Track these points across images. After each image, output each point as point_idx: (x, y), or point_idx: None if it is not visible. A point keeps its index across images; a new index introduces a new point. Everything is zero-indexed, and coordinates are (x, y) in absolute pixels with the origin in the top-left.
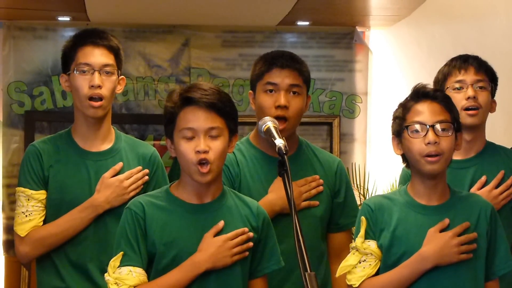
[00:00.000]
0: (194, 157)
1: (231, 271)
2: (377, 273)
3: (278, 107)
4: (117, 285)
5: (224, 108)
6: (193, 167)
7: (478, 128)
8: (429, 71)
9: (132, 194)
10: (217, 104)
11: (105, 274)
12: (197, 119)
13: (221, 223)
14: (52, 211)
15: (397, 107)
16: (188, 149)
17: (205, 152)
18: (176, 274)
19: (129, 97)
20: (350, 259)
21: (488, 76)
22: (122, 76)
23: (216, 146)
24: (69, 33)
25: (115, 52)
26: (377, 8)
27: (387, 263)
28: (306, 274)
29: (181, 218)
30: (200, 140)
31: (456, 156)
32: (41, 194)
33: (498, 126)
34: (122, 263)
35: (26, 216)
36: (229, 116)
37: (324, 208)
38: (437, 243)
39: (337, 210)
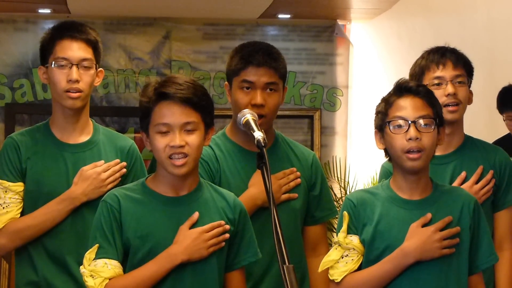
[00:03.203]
0: (167, 151)
1: (207, 263)
2: (359, 268)
3: (254, 105)
4: (92, 277)
5: (199, 103)
6: (166, 161)
7: (457, 123)
8: (410, 64)
9: (109, 186)
10: (192, 99)
11: (81, 267)
12: (172, 114)
13: (196, 215)
14: (30, 203)
15: (379, 102)
16: (163, 144)
17: (181, 147)
18: (152, 267)
19: (110, 90)
20: (333, 254)
21: (465, 69)
22: (101, 69)
23: (192, 140)
24: (50, 25)
25: (93, 45)
26: (358, 1)
27: (369, 258)
28: (285, 267)
29: (156, 211)
30: (176, 135)
31: (436, 152)
32: (19, 186)
33: (479, 120)
34: (98, 256)
35: (3, 208)
36: (205, 110)
37: (302, 201)
38: (419, 238)
39: (313, 203)
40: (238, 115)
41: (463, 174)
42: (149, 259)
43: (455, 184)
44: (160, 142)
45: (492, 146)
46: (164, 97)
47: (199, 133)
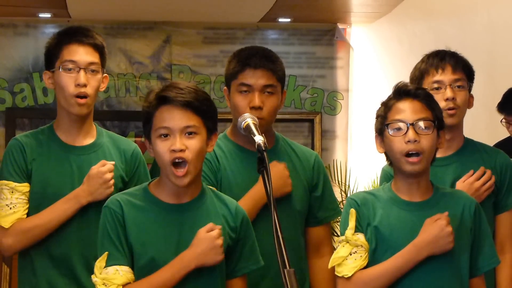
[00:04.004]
0: (168, 156)
1: (212, 269)
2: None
3: (253, 108)
4: (105, 285)
5: (200, 107)
6: (168, 167)
7: (457, 126)
8: (410, 67)
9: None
10: (193, 103)
11: (92, 276)
12: (173, 118)
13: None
14: (35, 205)
15: (379, 106)
16: (164, 148)
17: (181, 151)
18: (167, 272)
19: (110, 94)
20: (341, 250)
21: (465, 73)
22: (106, 74)
23: (192, 144)
24: (50, 29)
25: (100, 50)
26: (358, 5)
27: (370, 259)
28: (285, 271)
29: (158, 218)
30: (176, 139)
31: (436, 154)
32: (25, 187)
33: (479, 123)
34: (108, 263)
35: (10, 208)
36: (206, 115)
37: (303, 202)
38: (431, 232)
39: (316, 204)
40: (239, 119)
41: (471, 172)
42: (152, 266)
43: (461, 180)
44: (161, 146)
45: (493, 149)
46: (165, 101)
47: (200, 138)
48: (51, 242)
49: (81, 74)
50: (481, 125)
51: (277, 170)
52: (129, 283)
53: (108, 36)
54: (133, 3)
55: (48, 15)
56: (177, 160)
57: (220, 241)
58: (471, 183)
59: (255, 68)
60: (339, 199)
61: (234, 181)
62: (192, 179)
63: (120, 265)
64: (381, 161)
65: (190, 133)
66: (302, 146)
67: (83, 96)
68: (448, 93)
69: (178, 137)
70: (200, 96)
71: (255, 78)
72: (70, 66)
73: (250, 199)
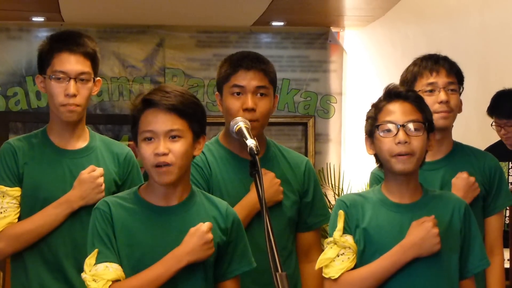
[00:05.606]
0: (152, 160)
1: (197, 269)
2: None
3: (246, 109)
4: (95, 281)
5: (185, 110)
6: (152, 169)
7: (447, 130)
8: (403, 71)
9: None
10: (177, 106)
11: (82, 273)
12: (157, 121)
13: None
14: (26, 209)
15: (370, 107)
16: (148, 151)
17: (164, 154)
18: (158, 268)
19: (104, 98)
20: (329, 252)
21: (457, 78)
22: (98, 78)
23: (176, 148)
24: (43, 33)
25: (91, 57)
26: (351, 9)
27: (359, 260)
28: (277, 275)
29: (147, 220)
30: (160, 142)
31: (425, 158)
32: (16, 191)
33: (472, 126)
34: (98, 260)
35: (1, 213)
36: (192, 118)
37: (293, 210)
38: (417, 234)
39: (306, 210)
40: (231, 122)
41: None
42: (139, 268)
43: (456, 176)
44: (146, 150)
45: (481, 152)
46: (150, 105)
47: (184, 141)
48: (43, 245)
49: (71, 84)
50: (474, 128)
51: (268, 179)
52: (119, 280)
53: (101, 39)
54: (126, 6)
55: (41, 19)
56: (160, 164)
57: (210, 236)
58: (466, 177)
59: (248, 69)
60: (333, 202)
61: (225, 189)
62: (176, 179)
63: (110, 262)
64: (375, 164)
65: (174, 137)
66: (293, 152)
67: (73, 105)
68: (442, 96)
69: (162, 141)
70: (186, 99)
71: (248, 79)
72: (60, 76)
73: (243, 208)
